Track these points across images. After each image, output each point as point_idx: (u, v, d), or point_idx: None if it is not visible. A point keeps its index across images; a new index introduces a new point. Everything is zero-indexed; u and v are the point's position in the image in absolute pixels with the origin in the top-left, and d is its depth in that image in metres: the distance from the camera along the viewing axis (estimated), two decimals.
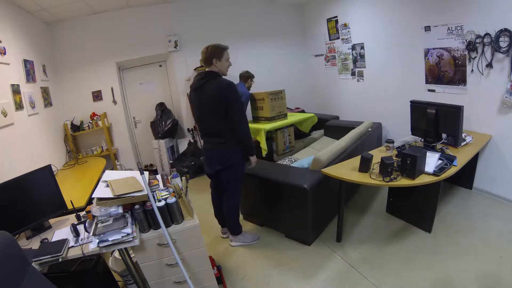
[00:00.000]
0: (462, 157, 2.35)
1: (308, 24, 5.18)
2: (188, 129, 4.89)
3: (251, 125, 4.14)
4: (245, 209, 3.04)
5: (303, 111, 4.89)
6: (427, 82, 3.28)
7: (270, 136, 4.02)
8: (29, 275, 1.07)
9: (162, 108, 4.61)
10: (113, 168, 4.32)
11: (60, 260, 1.50)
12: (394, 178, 2.14)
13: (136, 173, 1.86)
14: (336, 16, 4.42)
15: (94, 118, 4.26)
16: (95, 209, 1.63)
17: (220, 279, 2.17)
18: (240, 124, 2.18)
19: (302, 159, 3.21)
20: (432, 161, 2.21)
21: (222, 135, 2.22)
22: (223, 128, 2.19)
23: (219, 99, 2.11)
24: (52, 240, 1.68)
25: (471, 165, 2.85)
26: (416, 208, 2.55)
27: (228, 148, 2.25)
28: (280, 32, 5.20)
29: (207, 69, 2.24)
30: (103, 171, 2.82)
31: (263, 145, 3.72)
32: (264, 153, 3.73)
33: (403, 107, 2.90)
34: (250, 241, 2.64)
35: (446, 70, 3.03)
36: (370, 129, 3.53)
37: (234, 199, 2.48)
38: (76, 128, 4.10)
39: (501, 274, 1.94)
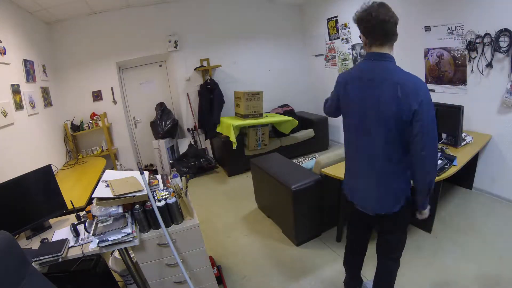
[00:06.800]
0: (462, 157, 2.35)
1: (308, 24, 5.17)
2: (188, 129, 4.89)
3: (226, 120, 4.42)
4: (258, 197, 3.21)
5: (292, 111, 4.90)
6: (427, 82, 3.27)
7: (244, 131, 4.33)
8: (29, 275, 1.07)
9: (162, 108, 4.61)
10: (113, 168, 4.32)
11: (60, 260, 1.50)
12: None
13: (136, 173, 1.86)
14: (336, 16, 4.42)
15: (94, 118, 4.26)
16: (95, 209, 1.64)
17: (220, 279, 2.18)
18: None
19: (309, 161, 3.22)
20: None
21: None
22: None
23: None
24: (52, 240, 1.68)
25: (471, 165, 2.85)
26: (416, 208, 2.54)
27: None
28: (280, 32, 5.19)
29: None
30: (103, 171, 2.82)
31: (232, 138, 4.05)
32: (234, 145, 4.06)
33: None
34: None
35: (446, 70, 3.03)
36: None
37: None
38: (76, 128, 4.10)
39: (501, 274, 1.94)
